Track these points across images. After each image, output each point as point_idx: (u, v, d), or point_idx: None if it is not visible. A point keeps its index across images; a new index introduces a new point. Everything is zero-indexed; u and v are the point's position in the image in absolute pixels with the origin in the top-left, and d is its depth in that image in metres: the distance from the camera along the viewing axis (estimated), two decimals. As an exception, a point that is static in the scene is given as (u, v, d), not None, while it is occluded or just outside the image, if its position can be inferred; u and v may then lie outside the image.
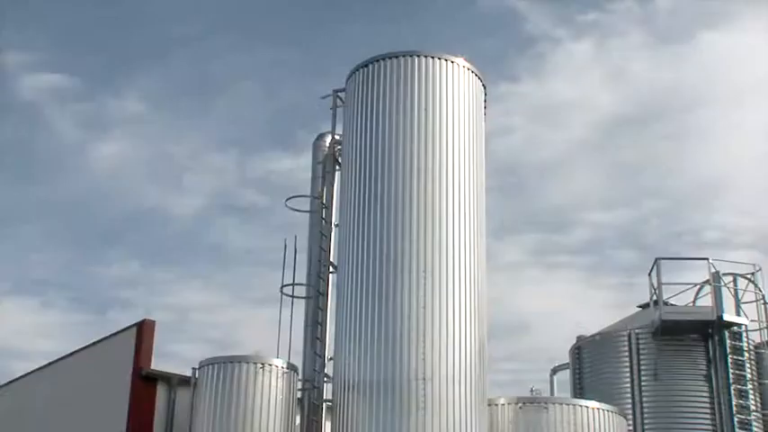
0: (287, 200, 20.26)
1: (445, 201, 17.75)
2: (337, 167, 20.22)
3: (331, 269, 19.48)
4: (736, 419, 20.48)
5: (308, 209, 20.09)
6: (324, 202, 20.04)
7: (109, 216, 62.63)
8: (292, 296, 19.45)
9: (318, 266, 19.48)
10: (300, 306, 19.42)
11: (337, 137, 20.18)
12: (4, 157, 61.25)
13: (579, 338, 22.83)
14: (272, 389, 17.25)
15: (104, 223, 62.94)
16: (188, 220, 62.83)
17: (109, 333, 20.69)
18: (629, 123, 59.67)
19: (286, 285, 19.50)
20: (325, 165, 20.34)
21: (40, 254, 62.00)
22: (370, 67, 18.97)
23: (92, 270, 61.13)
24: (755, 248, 51.51)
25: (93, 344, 20.98)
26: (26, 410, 22.97)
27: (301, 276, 19.64)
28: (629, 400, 20.92)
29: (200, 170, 62.10)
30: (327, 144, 20.52)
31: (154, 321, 19.47)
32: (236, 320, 57.32)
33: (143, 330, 19.20)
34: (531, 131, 59.44)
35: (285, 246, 19.81)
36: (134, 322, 19.68)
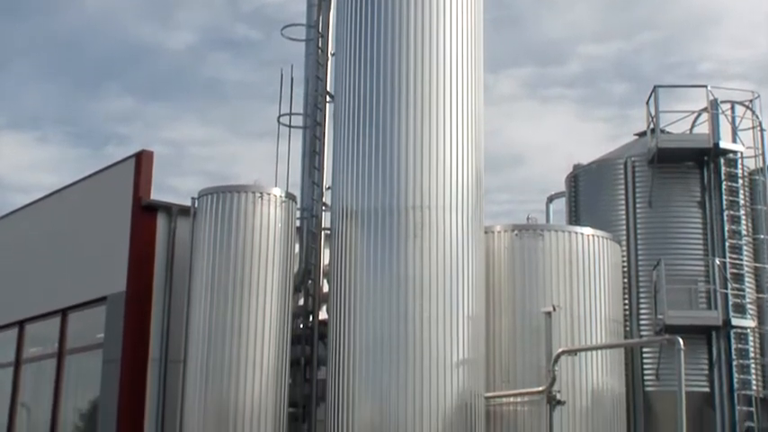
0: (283, 28, 19.97)
1: (443, 26, 17.48)
2: (333, -6, 19.82)
3: (328, 99, 19.37)
4: (727, 244, 20.77)
5: (304, 38, 19.81)
6: (320, 30, 19.74)
7: (102, 52, 61.94)
8: (289, 126, 19.44)
9: (315, 96, 19.35)
10: (298, 137, 19.45)
11: (333, -37, 19.69)
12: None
13: (575, 167, 22.89)
14: (270, 217, 17.39)
15: (98, 59, 62.33)
16: (181, 56, 62.17)
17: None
18: (623, -47, 58.29)
19: (283, 115, 19.48)
20: (321, -8, 19.93)
21: (34, 89, 61.56)
22: None
23: (87, 105, 60.87)
24: (749, 79, 51.27)
25: (93, 175, 21.01)
26: (26, 242, 23.20)
27: (298, 107, 19.58)
28: (624, 227, 21.14)
29: (192, 5, 60.97)
30: (323, -30, 20.04)
31: (152, 152, 19.41)
32: (233, 154, 57.53)
33: (141, 161, 19.15)
34: (524, -38, 57.99)
35: (282, 76, 19.69)
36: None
